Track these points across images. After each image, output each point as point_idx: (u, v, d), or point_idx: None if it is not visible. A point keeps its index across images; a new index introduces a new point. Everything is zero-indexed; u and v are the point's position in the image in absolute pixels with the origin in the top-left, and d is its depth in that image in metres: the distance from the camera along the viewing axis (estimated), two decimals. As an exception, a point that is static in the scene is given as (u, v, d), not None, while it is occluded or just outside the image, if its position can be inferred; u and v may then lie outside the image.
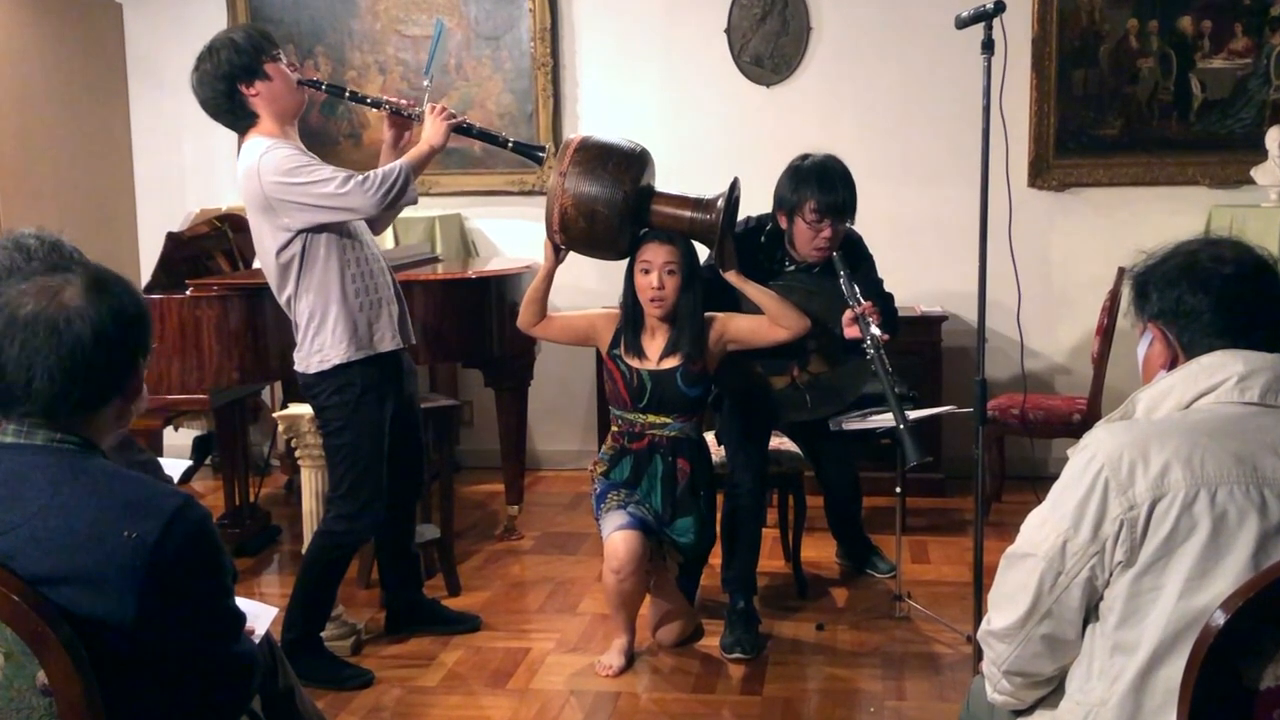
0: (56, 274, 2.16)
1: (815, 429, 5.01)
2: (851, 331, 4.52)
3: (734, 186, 4.40)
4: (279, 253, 4.29)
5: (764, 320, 4.51)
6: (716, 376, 4.65)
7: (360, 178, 4.22)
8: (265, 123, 4.29)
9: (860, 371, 4.75)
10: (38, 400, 2.10)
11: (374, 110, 4.56)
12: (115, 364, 2.17)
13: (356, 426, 4.40)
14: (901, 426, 4.33)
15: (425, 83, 4.90)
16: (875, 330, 4.45)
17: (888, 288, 4.97)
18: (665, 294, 4.46)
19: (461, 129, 4.51)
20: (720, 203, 4.35)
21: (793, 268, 4.78)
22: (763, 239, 4.80)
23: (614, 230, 4.38)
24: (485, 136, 4.63)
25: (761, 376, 4.78)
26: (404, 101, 4.58)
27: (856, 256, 4.77)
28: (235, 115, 4.29)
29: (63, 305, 2.10)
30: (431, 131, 4.41)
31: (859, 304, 4.50)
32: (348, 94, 4.59)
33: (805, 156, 4.75)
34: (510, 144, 4.56)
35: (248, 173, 4.23)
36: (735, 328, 4.54)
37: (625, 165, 4.35)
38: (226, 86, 4.23)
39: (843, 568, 5.61)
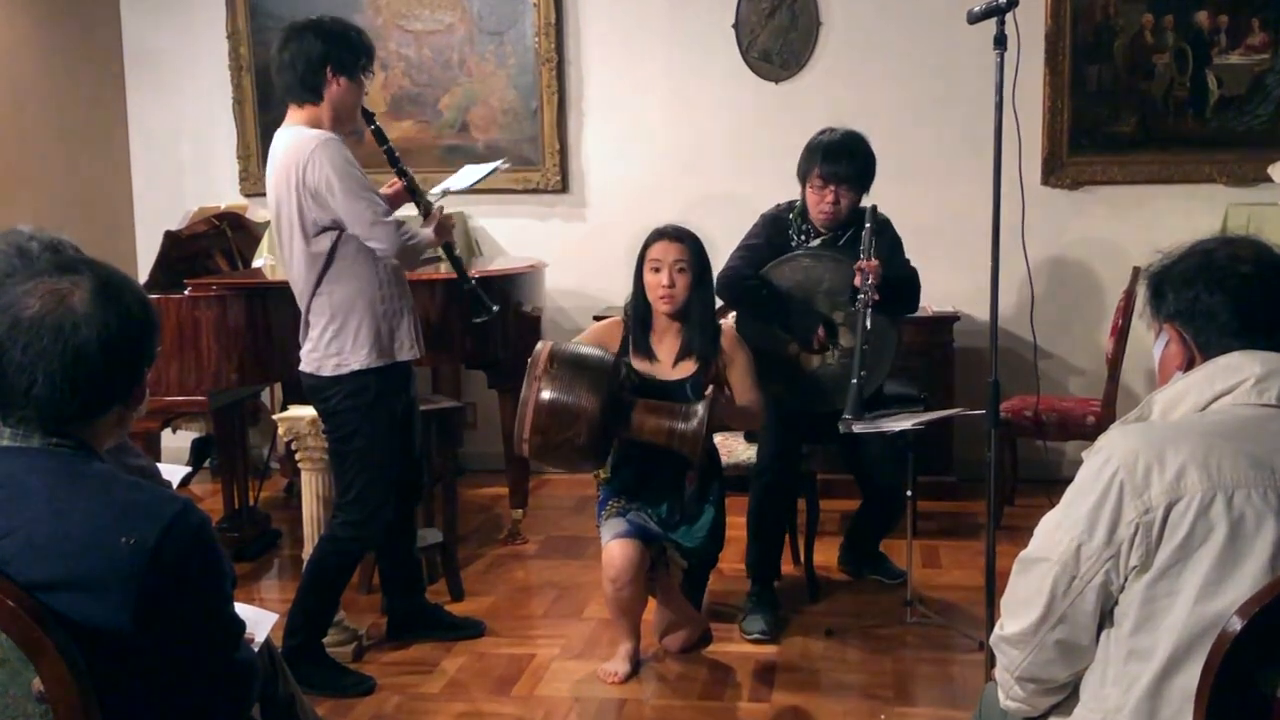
0: (65, 275, 2.12)
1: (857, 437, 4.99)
2: (858, 280, 4.71)
3: (715, 401, 4.35)
4: (312, 239, 4.28)
5: (748, 390, 4.58)
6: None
7: (398, 220, 4.28)
8: (321, 115, 4.31)
9: (884, 356, 4.90)
10: (37, 405, 2.07)
11: (393, 172, 4.58)
12: (119, 372, 2.13)
13: (369, 432, 4.38)
14: (854, 381, 4.57)
15: (438, 190, 5.14)
16: (869, 288, 4.65)
17: None
18: (675, 291, 4.47)
19: (448, 247, 4.61)
20: (701, 410, 4.31)
21: (818, 241, 4.97)
22: (791, 215, 5.02)
23: (592, 441, 4.31)
24: (457, 266, 4.67)
25: (794, 360, 4.91)
26: (423, 188, 4.65)
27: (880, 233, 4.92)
28: (304, 88, 4.29)
29: (70, 310, 2.07)
30: (436, 231, 4.48)
31: (868, 260, 4.70)
32: (387, 146, 4.58)
33: (825, 130, 5.02)
34: (468, 286, 4.67)
35: (298, 149, 4.22)
36: (738, 364, 4.59)
37: (601, 374, 4.30)
38: (319, 61, 4.25)
39: (850, 572, 5.54)
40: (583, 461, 4.49)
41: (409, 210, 4.61)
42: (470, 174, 5.77)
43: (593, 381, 4.25)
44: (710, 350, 4.52)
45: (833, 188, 4.86)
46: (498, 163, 5.82)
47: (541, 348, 4.35)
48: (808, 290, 4.89)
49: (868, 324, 4.64)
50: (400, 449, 4.52)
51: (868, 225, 4.80)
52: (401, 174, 4.57)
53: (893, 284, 4.82)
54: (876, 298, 4.67)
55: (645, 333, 4.57)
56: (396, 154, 4.60)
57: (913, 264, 5.10)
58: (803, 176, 4.95)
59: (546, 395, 4.23)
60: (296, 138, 4.26)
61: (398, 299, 4.41)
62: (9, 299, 2.08)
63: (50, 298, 2.07)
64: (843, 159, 4.86)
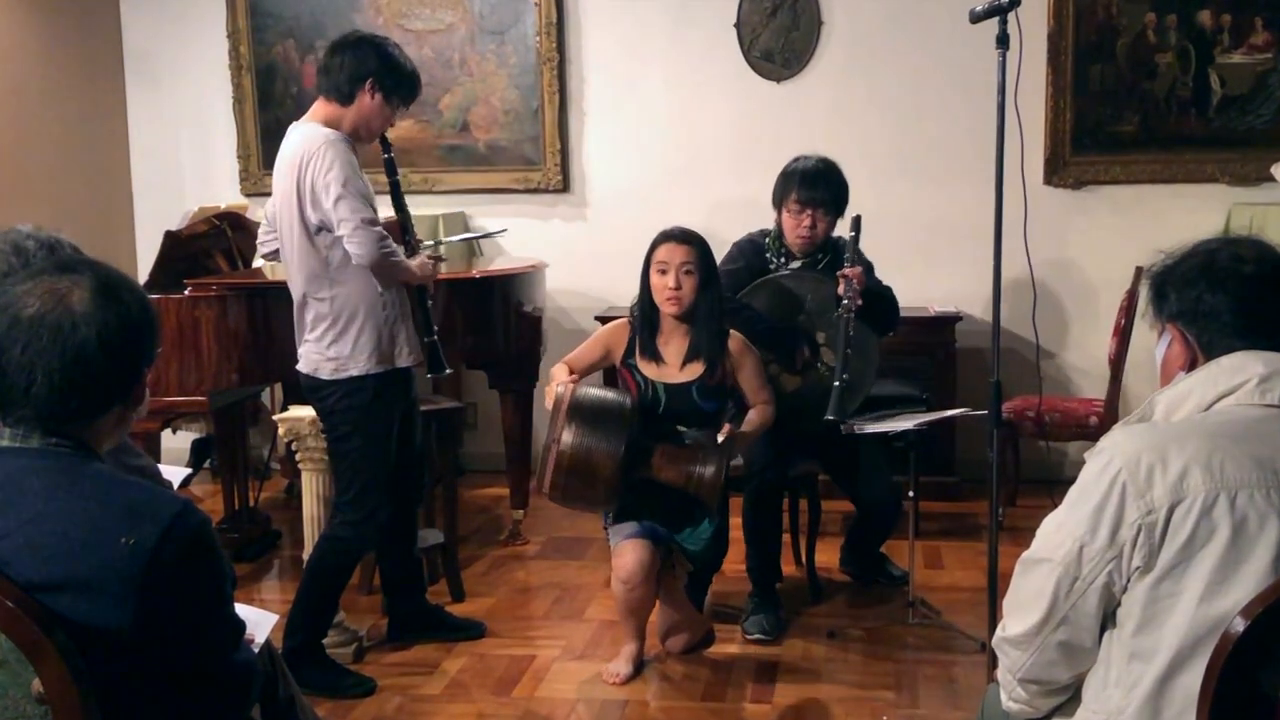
0: (65, 275, 2.11)
1: (841, 450, 5.06)
2: (842, 288, 4.80)
3: (731, 443, 4.42)
4: (314, 236, 4.29)
5: (758, 390, 4.61)
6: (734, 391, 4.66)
7: (383, 234, 4.26)
8: (344, 118, 4.35)
9: (868, 365, 4.95)
10: (36, 404, 2.06)
11: (393, 205, 4.71)
12: (119, 372, 2.12)
13: (366, 432, 4.38)
14: (837, 384, 4.66)
15: (437, 241, 5.32)
16: (851, 294, 4.75)
17: (901, 286, 5.22)
18: (682, 293, 4.47)
19: (423, 293, 4.59)
20: (719, 456, 4.36)
21: (797, 264, 5.03)
22: (768, 240, 5.09)
23: (611, 494, 4.36)
24: (425, 317, 4.63)
25: (774, 380, 4.85)
26: (417, 233, 4.73)
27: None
28: (339, 90, 4.35)
29: (69, 309, 2.06)
30: (419, 266, 4.49)
31: (852, 266, 4.81)
32: (394, 179, 4.66)
33: (799, 158, 5.09)
34: (429, 339, 4.62)
35: (308, 142, 4.26)
36: (747, 367, 4.59)
37: (621, 423, 4.31)
38: (365, 73, 4.31)
39: (851, 574, 5.54)
40: (601, 508, 4.54)
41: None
42: (466, 235, 6.09)
43: (612, 434, 4.27)
44: (717, 352, 4.51)
45: (810, 212, 4.95)
46: (495, 230, 6.14)
47: (564, 393, 4.34)
48: (789, 311, 4.95)
49: (851, 330, 4.72)
50: (400, 450, 4.50)
51: (851, 233, 4.93)
52: (399, 210, 4.64)
53: (874, 293, 4.91)
54: (860, 303, 4.75)
55: (652, 336, 4.56)
56: (401, 189, 4.67)
57: (905, 267, 5.15)
58: (778, 202, 5.04)
59: (567, 451, 4.25)
60: (309, 132, 4.30)
61: (399, 305, 4.41)
62: (8, 298, 2.08)
63: (50, 297, 2.06)
64: (819, 184, 4.96)
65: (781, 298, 4.95)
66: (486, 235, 6.12)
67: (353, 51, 4.34)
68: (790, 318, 4.93)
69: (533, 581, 5.60)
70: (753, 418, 4.58)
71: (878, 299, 4.95)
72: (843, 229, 5.10)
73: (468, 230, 7.19)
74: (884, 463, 5.15)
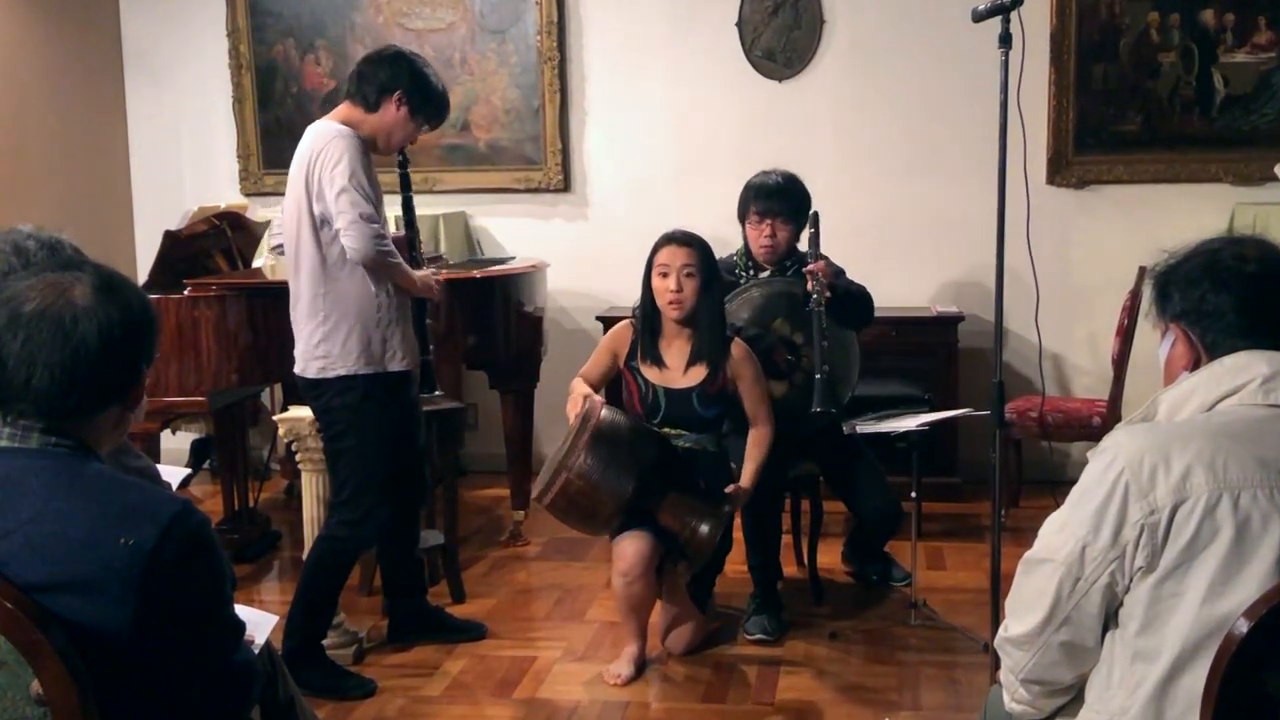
0: (67, 272, 2.13)
1: (840, 457, 5.10)
2: (810, 284, 4.87)
3: (735, 501, 4.53)
4: (319, 231, 4.30)
5: (757, 400, 4.64)
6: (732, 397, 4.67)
7: (380, 231, 4.27)
8: (364, 123, 4.38)
9: (850, 356, 5.08)
10: (35, 399, 2.06)
11: (402, 218, 4.80)
12: (118, 369, 2.12)
13: (360, 432, 4.38)
14: (818, 376, 4.75)
15: (446, 258, 5.45)
16: (819, 287, 4.82)
17: (903, 285, 5.52)
18: (684, 296, 4.49)
19: (421, 308, 4.61)
20: (722, 517, 4.44)
21: (768, 272, 5.14)
22: (736, 257, 5.21)
23: (611, 521, 4.41)
24: (422, 334, 4.64)
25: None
26: (424, 245, 4.84)
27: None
28: (364, 96, 4.40)
29: (71, 303, 2.07)
30: (420, 279, 4.49)
31: (815, 260, 4.90)
32: (408, 194, 4.74)
33: (761, 172, 5.22)
34: (425, 357, 4.65)
35: (321, 137, 4.30)
36: (746, 376, 4.60)
37: (638, 456, 4.32)
38: (392, 87, 4.37)
39: (853, 574, 5.53)
40: (592, 535, 4.62)
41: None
42: (472, 258, 6.30)
43: (624, 474, 4.27)
44: (720, 355, 4.53)
45: (769, 222, 5.06)
46: (504, 257, 6.32)
47: (592, 409, 4.34)
48: (764, 318, 5.00)
49: (825, 322, 4.79)
50: (399, 450, 4.49)
51: (810, 230, 4.99)
52: (409, 224, 4.66)
53: (845, 291, 4.97)
54: (829, 295, 4.81)
55: (654, 339, 4.58)
56: (413, 205, 4.71)
57: (906, 267, 5.16)
58: (742, 215, 5.18)
59: (576, 481, 4.26)
60: (324, 129, 4.33)
61: (394, 308, 4.39)
62: (10, 293, 2.09)
63: (51, 291, 2.07)
64: (776, 195, 5.08)
65: (755, 307, 5.00)
66: (495, 261, 6.16)
67: (389, 64, 4.40)
68: (766, 325, 4.96)
69: (533, 583, 5.59)
70: (753, 451, 4.61)
71: (848, 297, 4.99)
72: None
73: (468, 231, 7.19)
74: (882, 473, 5.16)
